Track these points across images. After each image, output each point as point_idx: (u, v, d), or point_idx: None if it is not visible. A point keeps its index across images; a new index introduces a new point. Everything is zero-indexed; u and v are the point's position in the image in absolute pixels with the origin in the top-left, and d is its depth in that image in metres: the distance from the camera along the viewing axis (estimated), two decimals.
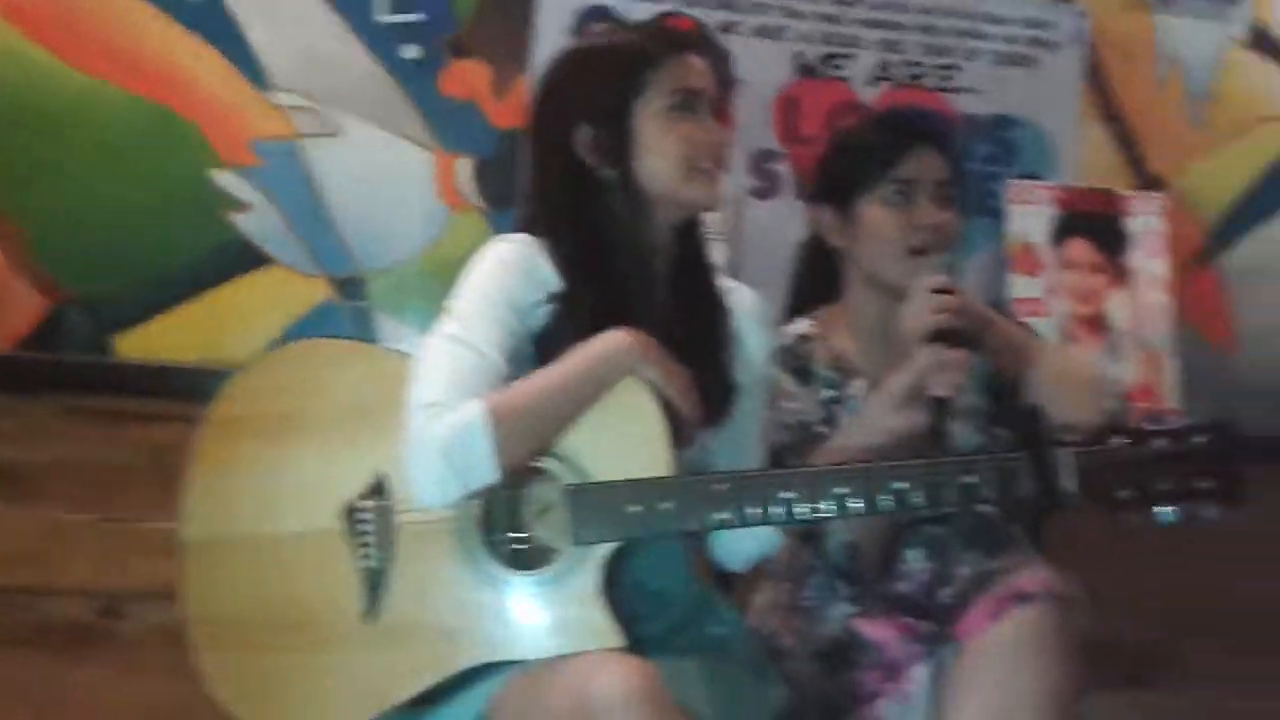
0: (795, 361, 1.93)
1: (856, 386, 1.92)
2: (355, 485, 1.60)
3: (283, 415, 1.65)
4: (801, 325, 1.98)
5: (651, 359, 1.55)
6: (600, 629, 1.51)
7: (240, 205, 2.67)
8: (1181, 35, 3.09)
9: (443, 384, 1.53)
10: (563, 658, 1.49)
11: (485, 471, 1.50)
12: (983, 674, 1.64)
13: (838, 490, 1.51)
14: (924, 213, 1.88)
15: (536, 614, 1.54)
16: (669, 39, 1.70)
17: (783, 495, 1.52)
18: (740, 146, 2.81)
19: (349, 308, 2.69)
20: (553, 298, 1.62)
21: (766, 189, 2.87)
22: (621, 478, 1.53)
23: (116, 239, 2.63)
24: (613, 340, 1.55)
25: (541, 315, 1.62)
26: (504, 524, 1.57)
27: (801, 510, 1.52)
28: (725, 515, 1.52)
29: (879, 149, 1.92)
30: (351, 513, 1.59)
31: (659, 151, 1.64)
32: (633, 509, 1.52)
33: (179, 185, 2.65)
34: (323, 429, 1.63)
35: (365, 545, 1.59)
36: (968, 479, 1.50)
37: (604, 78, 1.66)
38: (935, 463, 1.53)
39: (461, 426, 1.49)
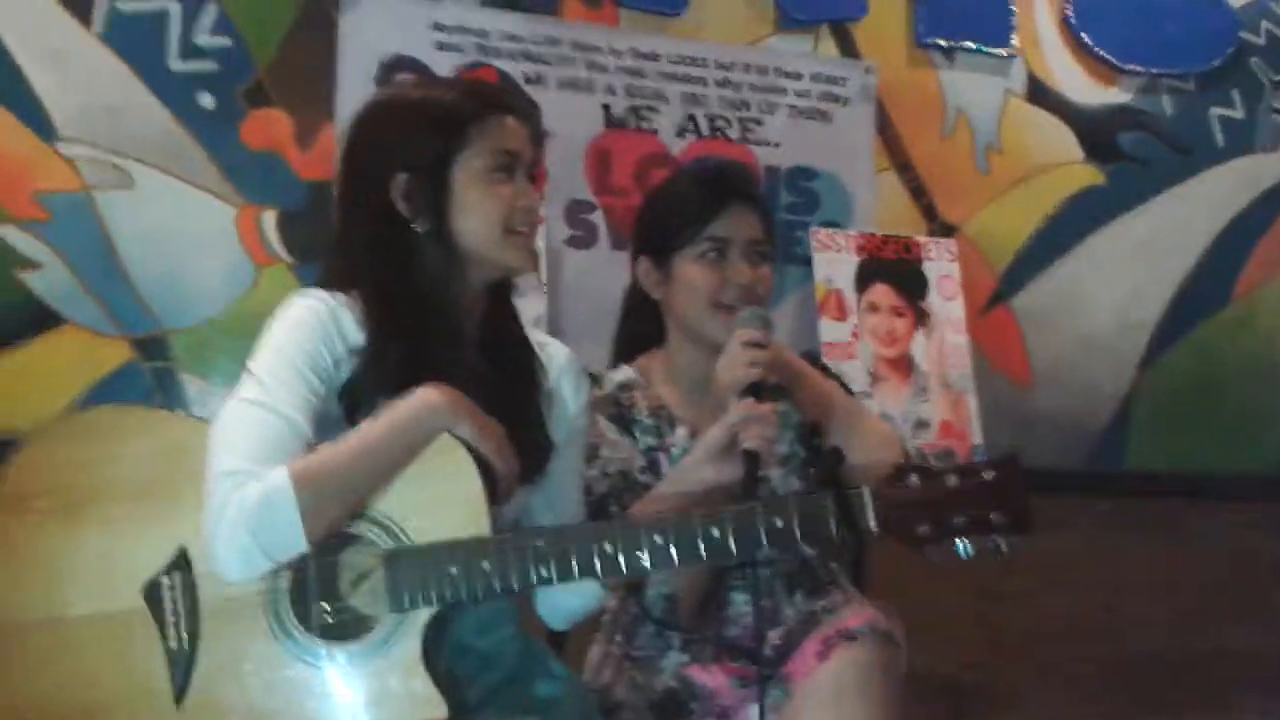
0: (616, 410, 1.94)
1: (678, 435, 1.93)
2: (155, 561, 1.53)
3: (71, 490, 1.56)
4: (623, 373, 1.99)
5: (464, 414, 1.52)
6: (423, 697, 1.48)
7: (29, 263, 2.52)
8: (965, 89, 3.25)
9: (244, 451, 1.47)
10: None
11: (293, 542, 1.45)
12: (813, 714, 1.66)
13: (655, 540, 1.52)
14: (736, 270, 1.92)
15: (355, 686, 1.49)
16: (489, 98, 1.68)
17: (602, 548, 1.51)
18: (555, 197, 2.82)
19: (151, 368, 2.56)
20: (360, 351, 1.58)
21: (582, 239, 2.89)
22: (440, 538, 1.50)
23: None
24: (423, 397, 1.52)
25: (346, 370, 1.57)
26: (317, 594, 1.51)
27: (621, 562, 1.52)
28: (546, 571, 1.51)
29: (694, 207, 1.95)
30: (153, 590, 1.52)
31: (476, 211, 1.62)
32: (452, 570, 1.49)
33: None
34: (115, 503, 1.55)
35: (170, 624, 1.51)
36: (777, 522, 1.54)
37: (426, 129, 1.63)
38: (745, 509, 1.56)
39: (265, 496, 1.44)
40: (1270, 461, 3.32)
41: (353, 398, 1.56)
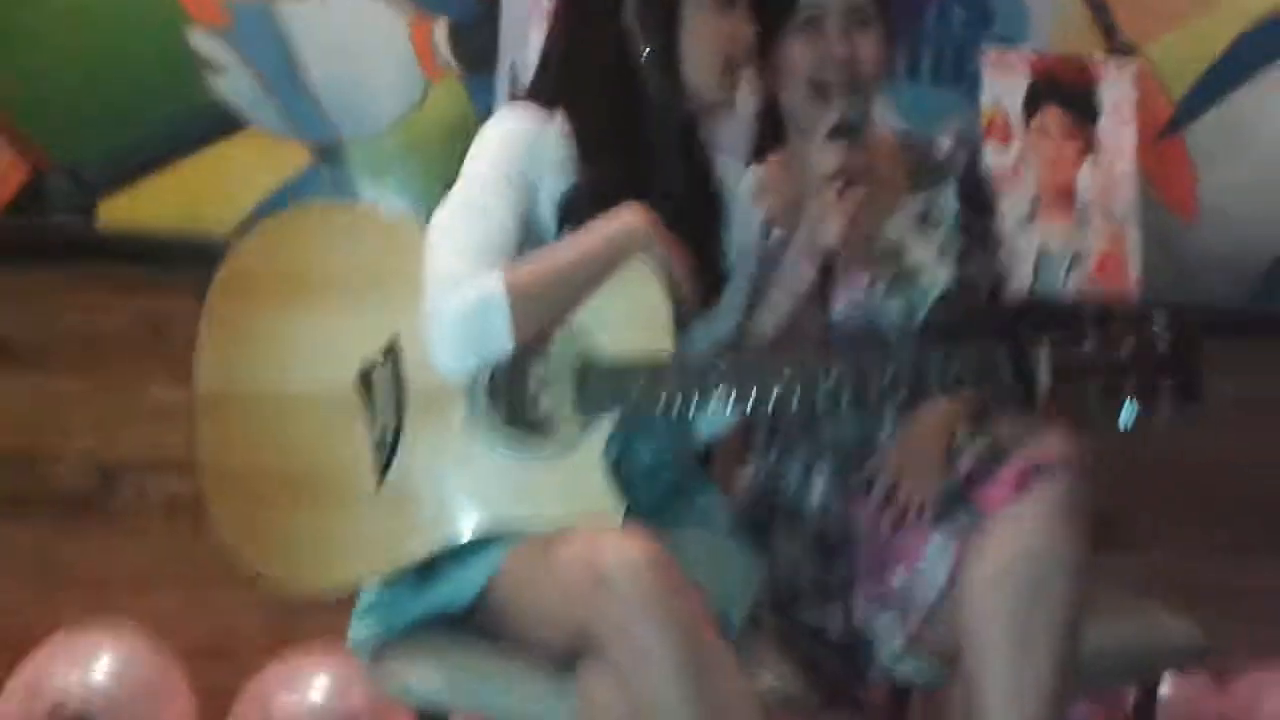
0: None
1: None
2: (367, 348, 1.64)
3: (295, 276, 1.67)
4: (744, 181, 1.88)
5: (658, 239, 1.59)
6: (603, 496, 1.58)
7: (215, 67, 2.61)
8: None
9: (460, 253, 1.57)
10: (569, 529, 1.54)
11: (502, 344, 1.55)
12: (1014, 542, 1.62)
13: (828, 385, 1.56)
14: (831, 44, 1.78)
15: (542, 481, 1.60)
16: None
17: (779, 383, 1.56)
18: None
19: (330, 174, 2.66)
20: (563, 165, 1.64)
21: None
22: (626, 353, 1.59)
23: (93, 101, 2.57)
24: (626, 219, 1.59)
25: (548, 182, 1.64)
26: (513, 393, 1.61)
27: (794, 399, 1.56)
28: (725, 393, 1.57)
29: None
30: (365, 375, 1.63)
31: (701, 41, 1.66)
32: (636, 384, 1.57)
33: (151, 45, 2.59)
34: (335, 291, 1.66)
35: (378, 408, 1.63)
36: (950, 371, 1.56)
37: None
38: (920, 357, 1.58)
39: (480, 299, 1.53)
40: None
41: (563, 212, 1.64)
